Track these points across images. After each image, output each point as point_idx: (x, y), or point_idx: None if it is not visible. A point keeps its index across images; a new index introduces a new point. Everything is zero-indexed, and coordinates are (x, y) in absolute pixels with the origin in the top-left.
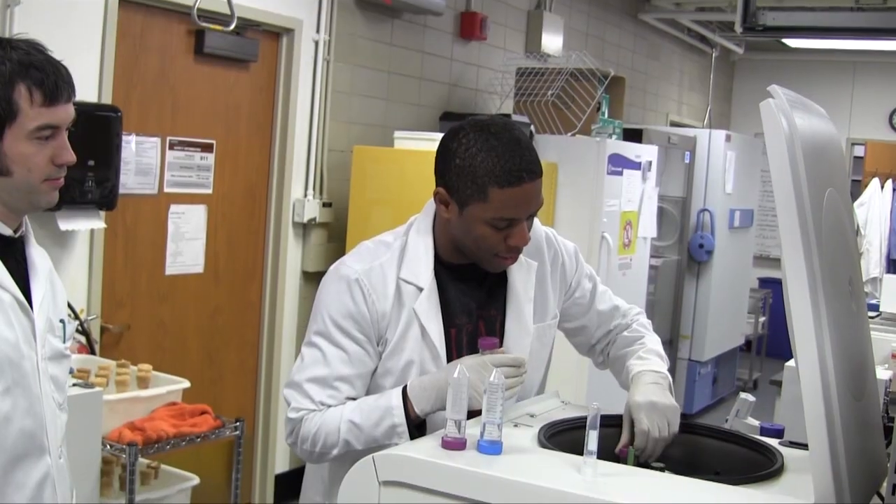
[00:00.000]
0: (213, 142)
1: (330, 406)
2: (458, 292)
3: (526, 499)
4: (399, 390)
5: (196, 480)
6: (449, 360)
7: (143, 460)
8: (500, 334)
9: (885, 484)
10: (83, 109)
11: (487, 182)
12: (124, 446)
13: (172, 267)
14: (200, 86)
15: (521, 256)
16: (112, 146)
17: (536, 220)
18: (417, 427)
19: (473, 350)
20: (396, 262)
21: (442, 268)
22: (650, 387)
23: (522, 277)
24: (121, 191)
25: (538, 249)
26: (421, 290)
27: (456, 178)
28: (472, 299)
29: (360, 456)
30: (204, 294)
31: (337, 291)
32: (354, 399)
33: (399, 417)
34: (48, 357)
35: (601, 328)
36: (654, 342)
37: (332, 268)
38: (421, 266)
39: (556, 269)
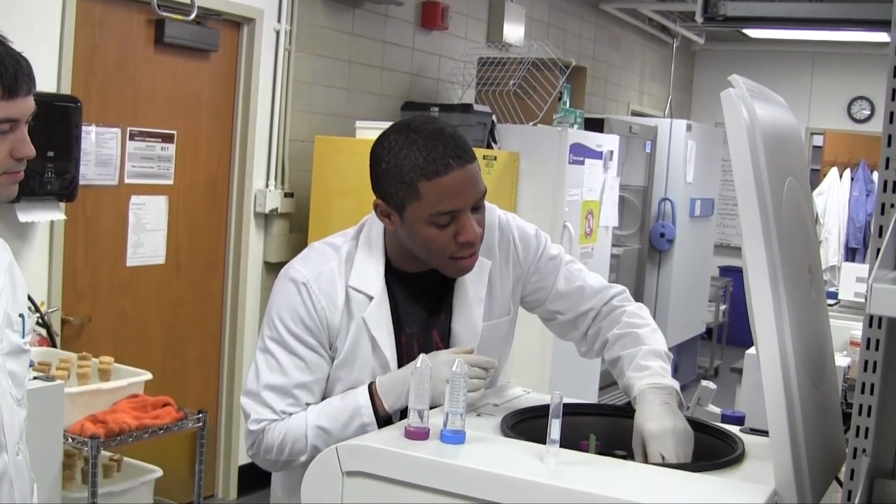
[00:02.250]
0: (174, 132)
1: (291, 414)
2: (409, 301)
3: (489, 487)
4: (365, 388)
5: (159, 473)
6: (399, 365)
7: (105, 453)
8: (449, 336)
9: (843, 469)
10: (42, 100)
11: (415, 177)
12: (86, 439)
13: (134, 258)
14: (161, 76)
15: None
16: (72, 137)
17: (491, 209)
18: (386, 424)
19: None
20: (345, 269)
21: (393, 276)
22: (661, 409)
23: (474, 277)
24: (81, 182)
25: (490, 246)
26: (371, 298)
27: (386, 184)
28: (423, 307)
29: None
30: (166, 285)
31: (288, 295)
32: (313, 404)
33: (368, 416)
34: (6, 352)
35: (571, 310)
36: (652, 337)
37: (282, 271)
38: (370, 274)
39: (508, 259)
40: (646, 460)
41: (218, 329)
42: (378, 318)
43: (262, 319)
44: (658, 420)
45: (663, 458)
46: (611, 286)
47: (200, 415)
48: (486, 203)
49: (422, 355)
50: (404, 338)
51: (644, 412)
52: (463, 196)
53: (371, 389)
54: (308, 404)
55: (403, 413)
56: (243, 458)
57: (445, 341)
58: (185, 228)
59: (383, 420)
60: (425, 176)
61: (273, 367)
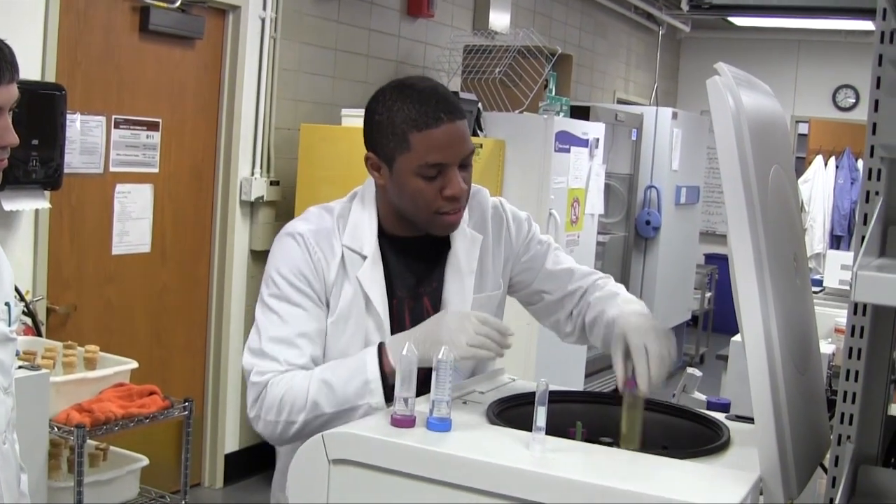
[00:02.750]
0: (159, 120)
1: (296, 366)
2: (401, 266)
3: (475, 475)
4: (374, 347)
5: (145, 461)
6: (391, 330)
7: (91, 442)
8: (440, 306)
9: (828, 455)
10: (27, 88)
11: (406, 129)
12: (72, 428)
13: (119, 247)
14: (145, 64)
15: (468, 229)
16: (56, 125)
17: (485, 191)
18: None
19: (414, 324)
20: (339, 228)
21: (385, 240)
22: (640, 317)
23: (466, 248)
24: (66, 170)
25: (483, 221)
26: (364, 258)
27: (378, 135)
28: (413, 273)
29: None
30: (151, 274)
31: (285, 249)
32: (317, 358)
33: (373, 373)
34: None
35: (557, 291)
36: (629, 296)
37: (279, 233)
38: (364, 234)
39: (501, 237)
40: (626, 364)
41: (204, 317)
42: (372, 278)
43: (248, 307)
44: (638, 318)
45: (647, 351)
46: (596, 272)
47: (186, 403)
48: (479, 186)
49: (408, 343)
50: (395, 301)
51: (623, 317)
52: (451, 150)
53: (380, 349)
54: (313, 357)
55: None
56: (230, 447)
57: (437, 310)
58: (170, 217)
59: (390, 383)
60: (416, 127)
61: (274, 321)
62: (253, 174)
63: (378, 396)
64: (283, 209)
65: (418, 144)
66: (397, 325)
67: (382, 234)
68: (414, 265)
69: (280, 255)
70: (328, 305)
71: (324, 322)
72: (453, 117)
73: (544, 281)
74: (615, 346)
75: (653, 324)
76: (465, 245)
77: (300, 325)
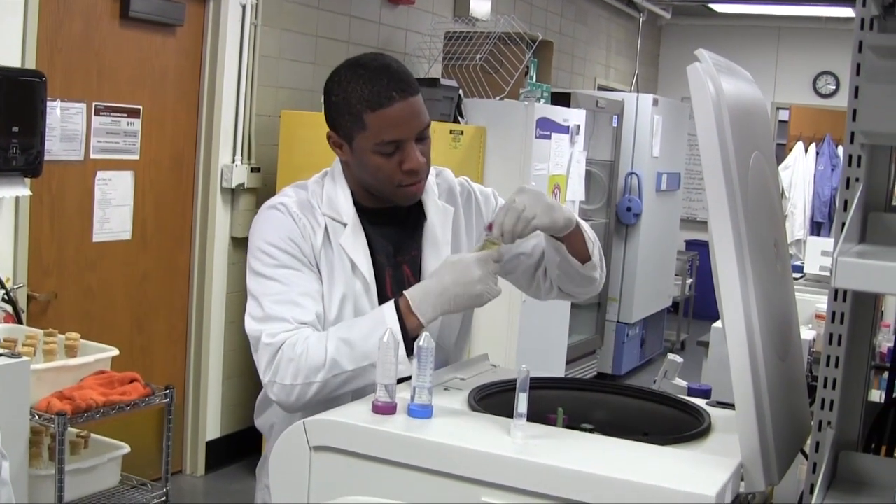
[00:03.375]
0: (140, 107)
1: (305, 324)
2: (378, 235)
3: (457, 462)
4: (392, 301)
5: (126, 449)
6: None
7: (72, 430)
8: (421, 274)
9: (808, 441)
10: (6, 75)
11: (361, 109)
12: (53, 416)
13: (100, 234)
14: (126, 50)
15: (439, 202)
16: (36, 112)
17: (448, 170)
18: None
19: (397, 290)
20: (317, 201)
21: (359, 211)
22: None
23: (440, 219)
24: (46, 157)
25: (451, 194)
26: (345, 225)
27: (336, 115)
28: (390, 242)
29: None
30: (132, 261)
31: (271, 220)
32: (320, 315)
33: (393, 323)
34: None
35: (537, 248)
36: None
37: (260, 209)
38: (341, 205)
39: (471, 209)
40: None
41: (185, 305)
42: (354, 243)
43: (229, 294)
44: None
45: (512, 204)
46: None
47: (168, 391)
48: (442, 168)
49: (388, 329)
50: (377, 266)
51: None
52: (406, 126)
53: (397, 303)
54: (316, 313)
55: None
56: (211, 434)
57: (417, 277)
58: (151, 204)
59: (412, 336)
60: (370, 107)
61: (272, 287)
62: (234, 161)
63: (398, 350)
64: (263, 196)
65: (373, 123)
66: (380, 292)
67: (356, 206)
68: (390, 234)
69: (266, 226)
70: (319, 273)
71: (320, 284)
72: (406, 94)
73: (521, 243)
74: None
75: (523, 186)
76: (440, 217)
77: (300, 285)
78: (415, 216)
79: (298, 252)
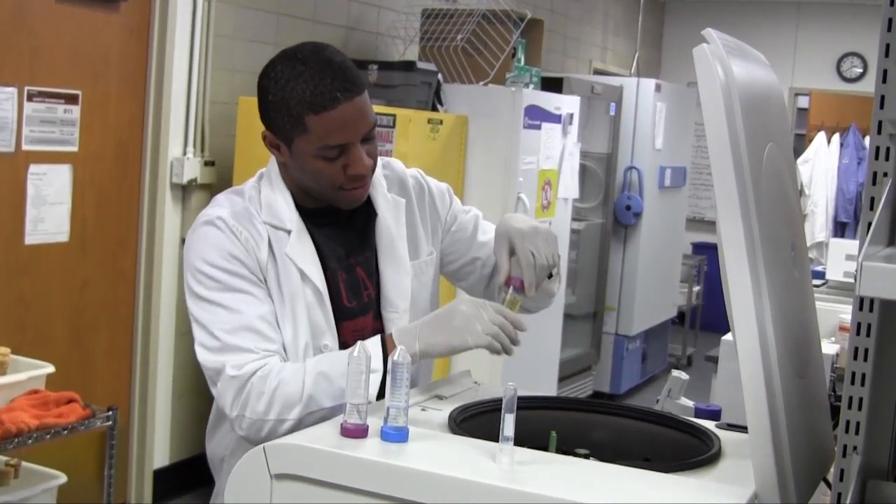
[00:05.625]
0: (79, 92)
1: (270, 352)
2: (325, 238)
3: (436, 490)
4: (377, 336)
5: (63, 479)
6: (332, 304)
7: (0, 457)
8: (377, 275)
9: (832, 469)
10: None
11: (302, 111)
12: None
13: (33, 235)
14: (63, 29)
15: (389, 194)
16: None
17: (399, 162)
18: None
19: (353, 296)
20: (256, 208)
21: (302, 214)
22: (524, 218)
23: (392, 214)
24: None
25: (402, 186)
26: (289, 232)
27: (274, 116)
28: (340, 244)
29: None
30: (70, 266)
31: (208, 238)
32: (282, 342)
33: (377, 362)
34: None
35: (492, 258)
36: None
37: (193, 225)
38: (282, 210)
39: (424, 203)
40: (510, 261)
41: (130, 314)
42: (301, 251)
43: (179, 303)
44: (524, 222)
45: (534, 256)
46: None
47: (110, 412)
48: (389, 159)
49: (359, 342)
50: (328, 274)
51: (508, 220)
52: (351, 129)
53: (384, 338)
54: (278, 340)
55: None
56: (159, 461)
57: (373, 279)
58: (91, 201)
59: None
60: (312, 110)
61: (220, 313)
62: (185, 154)
63: (377, 386)
64: (219, 193)
65: (315, 127)
66: (334, 300)
67: (298, 209)
68: (339, 236)
69: (204, 245)
70: (267, 287)
71: (271, 303)
72: (351, 94)
73: (477, 249)
74: (500, 246)
75: (537, 227)
76: (390, 210)
77: (253, 309)
78: (363, 213)
79: (244, 270)
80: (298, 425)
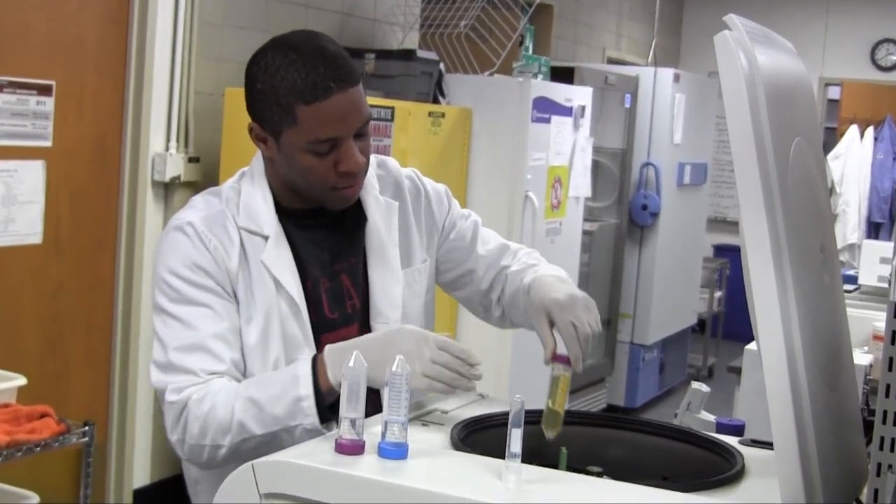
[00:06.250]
0: (52, 83)
1: (216, 374)
2: (308, 242)
3: None
4: (307, 358)
5: (35, 499)
6: (310, 316)
7: None
8: (365, 284)
9: (865, 489)
10: None
11: (292, 101)
12: None
13: (3, 237)
14: (35, 14)
15: (381, 197)
16: None
17: (393, 160)
18: (332, 408)
19: (335, 307)
20: (232, 211)
21: (285, 216)
22: (557, 283)
23: (383, 218)
24: None
25: (397, 188)
26: (266, 238)
27: (262, 106)
28: (325, 249)
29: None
30: (43, 269)
31: (174, 244)
32: (238, 362)
33: (305, 388)
34: None
35: (490, 270)
36: (549, 266)
37: (164, 229)
38: (261, 213)
39: (420, 207)
40: (552, 332)
41: (108, 322)
42: (278, 259)
43: None
44: (559, 290)
45: (575, 327)
46: (523, 247)
47: (86, 427)
48: (385, 158)
49: (356, 352)
50: (309, 283)
51: (541, 286)
52: (344, 123)
53: (316, 360)
54: (232, 360)
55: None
56: (139, 480)
57: (359, 288)
58: (66, 200)
59: (328, 401)
60: (303, 100)
61: (176, 327)
62: (168, 149)
63: (312, 417)
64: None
65: (306, 119)
66: (314, 310)
67: (281, 211)
68: (324, 240)
69: (169, 252)
70: (236, 299)
71: (236, 318)
72: (345, 84)
73: (478, 260)
74: (539, 319)
75: (574, 294)
76: (382, 214)
77: (209, 326)
78: (353, 216)
79: (209, 282)
80: (235, 451)
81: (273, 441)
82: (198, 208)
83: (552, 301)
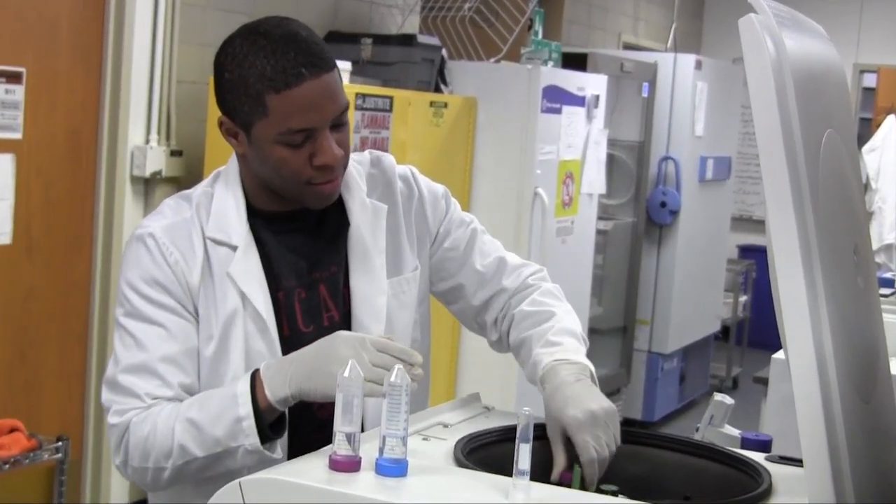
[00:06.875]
0: (23, 70)
1: (161, 399)
2: (283, 249)
3: None
4: (246, 376)
5: None
6: (280, 331)
7: None
8: (346, 294)
9: None
10: None
11: (262, 90)
12: None
13: None
14: None
15: (368, 200)
16: None
17: (389, 157)
18: (274, 426)
19: (310, 320)
20: (201, 219)
21: (259, 220)
22: (576, 389)
23: (369, 222)
24: None
25: (388, 188)
26: (234, 248)
27: (231, 97)
28: (302, 257)
29: (206, 486)
30: (12, 272)
31: (135, 256)
32: (189, 387)
33: (244, 407)
34: None
35: (484, 289)
36: (565, 318)
37: (130, 236)
38: (231, 221)
39: (411, 209)
40: (567, 452)
41: (83, 329)
42: (246, 271)
43: None
44: (578, 404)
45: (595, 450)
46: (528, 264)
47: (60, 443)
48: (382, 154)
49: (351, 360)
50: (282, 294)
51: (558, 393)
52: (318, 111)
53: (255, 376)
54: (181, 385)
55: (301, 419)
56: (116, 498)
57: (338, 299)
58: (38, 197)
59: (268, 419)
60: (273, 88)
61: (129, 345)
62: (148, 142)
63: (253, 437)
64: (187, 187)
65: (277, 108)
66: (288, 324)
67: (255, 214)
68: (302, 246)
69: (130, 263)
70: (198, 315)
71: (193, 338)
72: (318, 70)
73: (470, 275)
74: (553, 434)
75: (593, 409)
76: (367, 218)
77: (159, 347)
78: (335, 220)
79: (166, 299)
80: (179, 473)
81: (215, 462)
82: (164, 215)
83: (571, 419)
